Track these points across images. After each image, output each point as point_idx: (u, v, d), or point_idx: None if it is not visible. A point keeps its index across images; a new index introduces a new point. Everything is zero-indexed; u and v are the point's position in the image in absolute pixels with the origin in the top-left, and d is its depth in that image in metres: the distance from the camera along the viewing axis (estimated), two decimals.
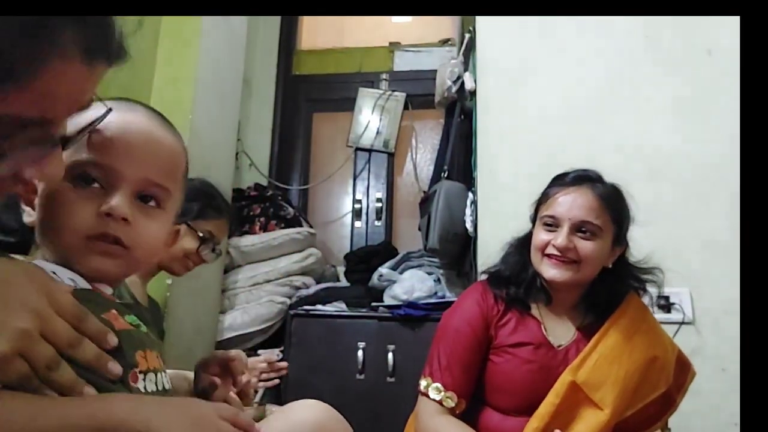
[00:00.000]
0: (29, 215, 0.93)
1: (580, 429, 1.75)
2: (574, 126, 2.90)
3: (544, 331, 1.90)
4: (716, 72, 2.80)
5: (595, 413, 1.74)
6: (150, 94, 2.88)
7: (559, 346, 1.88)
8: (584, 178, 1.90)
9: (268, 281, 3.36)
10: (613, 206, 1.87)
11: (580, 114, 2.92)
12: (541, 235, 1.87)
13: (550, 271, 1.84)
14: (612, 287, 1.92)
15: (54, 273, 0.89)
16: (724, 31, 2.78)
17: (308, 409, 1.15)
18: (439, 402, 1.83)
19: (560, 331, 1.92)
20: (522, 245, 1.99)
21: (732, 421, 2.44)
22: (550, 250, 1.84)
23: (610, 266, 1.90)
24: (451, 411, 1.83)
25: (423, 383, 1.88)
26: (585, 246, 1.81)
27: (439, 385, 1.85)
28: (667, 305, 2.59)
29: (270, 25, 4.49)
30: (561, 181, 1.93)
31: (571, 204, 1.84)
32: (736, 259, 2.46)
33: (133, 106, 1.01)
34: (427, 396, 1.85)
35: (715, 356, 2.50)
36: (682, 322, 2.57)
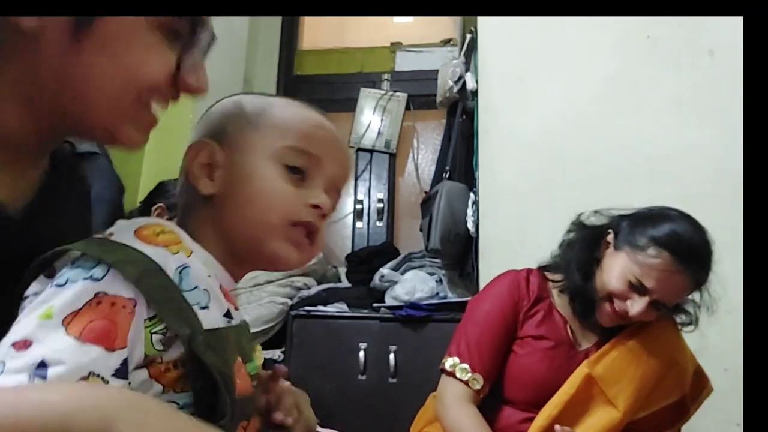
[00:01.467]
0: (207, 186, 0.93)
1: (591, 422, 1.76)
2: (575, 126, 2.90)
3: (569, 331, 1.91)
4: (718, 72, 2.80)
5: (608, 410, 1.75)
6: None
7: (581, 348, 1.89)
8: (692, 258, 1.74)
9: (269, 282, 3.34)
10: (698, 288, 1.80)
11: (582, 114, 2.91)
12: (619, 285, 1.76)
13: (606, 320, 1.82)
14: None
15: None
16: (727, 32, 2.78)
17: None
18: (466, 383, 1.82)
19: (584, 333, 1.92)
20: (591, 248, 1.91)
21: (734, 421, 2.44)
22: (619, 306, 1.77)
23: None
24: (476, 393, 1.83)
25: (449, 362, 1.88)
26: (652, 315, 1.77)
27: (466, 366, 1.84)
28: None
29: (271, 25, 4.48)
30: (668, 245, 1.74)
31: (665, 285, 1.72)
32: (739, 259, 2.45)
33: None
34: (454, 376, 1.84)
35: (717, 356, 2.49)
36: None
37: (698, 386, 1.92)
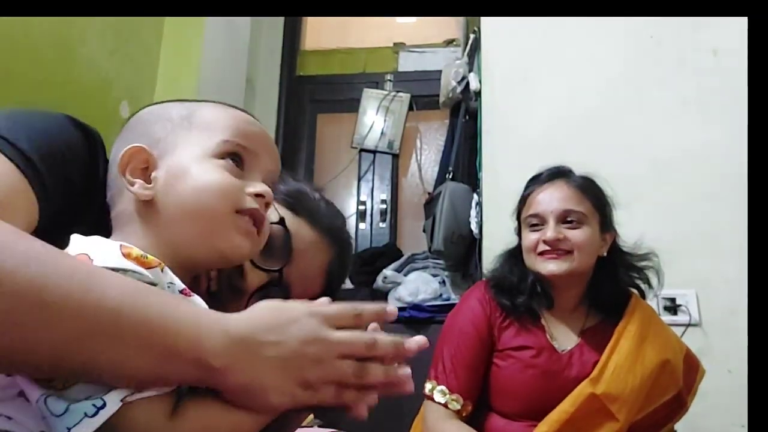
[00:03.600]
0: (144, 190, 0.90)
1: None
2: (579, 127, 2.89)
3: (548, 336, 1.89)
4: (722, 72, 2.79)
5: (610, 424, 1.72)
6: (153, 94, 2.87)
7: (563, 351, 1.87)
8: (557, 174, 1.94)
9: None
10: (591, 193, 1.90)
11: (586, 115, 2.90)
12: (529, 236, 1.88)
13: (547, 266, 1.83)
14: (612, 279, 1.92)
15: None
16: (730, 32, 2.77)
17: None
18: (444, 405, 1.83)
19: (563, 336, 1.91)
20: (514, 256, 1.99)
21: (739, 422, 2.43)
22: (541, 247, 1.85)
23: (605, 255, 1.90)
24: (457, 414, 1.83)
25: (428, 386, 1.88)
26: (575, 234, 1.82)
27: (444, 387, 1.85)
28: (673, 307, 2.58)
29: (273, 25, 4.47)
30: (535, 181, 1.98)
31: (550, 198, 1.87)
32: (743, 260, 2.44)
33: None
34: (432, 399, 1.85)
35: (722, 358, 2.48)
36: (689, 324, 2.55)
37: (690, 374, 1.92)
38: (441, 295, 3.18)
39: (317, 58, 4.60)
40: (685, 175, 2.72)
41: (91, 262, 0.76)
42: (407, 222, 4.21)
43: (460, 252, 3.21)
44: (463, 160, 3.39)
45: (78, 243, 0.82)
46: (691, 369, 1.93)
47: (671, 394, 1.84)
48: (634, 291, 1.96)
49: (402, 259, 3.48)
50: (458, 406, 1.82)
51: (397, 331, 2.82)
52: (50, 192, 0.88)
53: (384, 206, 4.20)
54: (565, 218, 1.84)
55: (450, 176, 3.35)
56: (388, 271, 3.33)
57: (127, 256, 0.79)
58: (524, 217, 1.93)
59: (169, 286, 0.82)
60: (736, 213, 2.54)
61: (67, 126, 0.97)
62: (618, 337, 1.84)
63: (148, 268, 0.79)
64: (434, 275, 3.33)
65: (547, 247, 1.83)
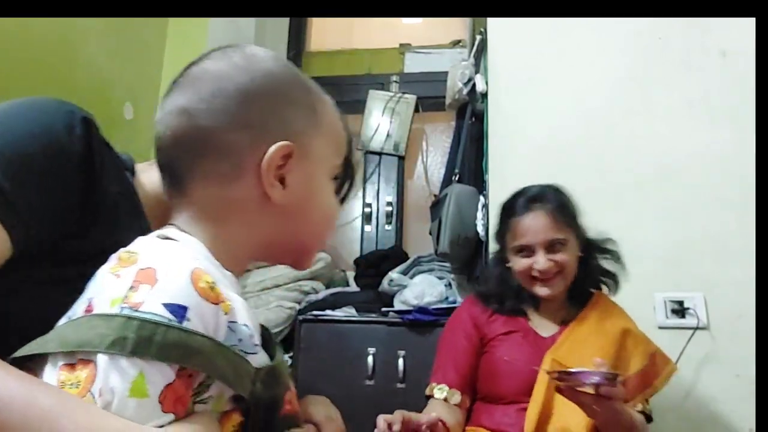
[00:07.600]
0: (280, 195, 0.91)
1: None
2: (585, 128, 2.88)
3: (532, 325, 2.10)
4: (730, 74, 2.77)
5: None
6: (157, 95, 2.86)
7: (546, 336, 2.05)
8: (533, 200, 2.08)
9: (277, 286, 3.33)
10: (567, 215, 2.06)
11: (592, 116, 2.89)
12: (520, 263, 2.05)
13: (542, 290, 2.03)
14: (586, 268, 2.11)
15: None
16: (738, 33, 2.75)
17: None
18: (445, 399, 2.02)
19: (545, 326, 2.10)
20: (498, 264, 2.20)
21: (747, 426, 2.41)
22: (535, 273, 2.02)
23: (581, 254, 2.09)
24: (457, 407, 2.03)
25: (428, 389, 2.08)
26: (562, 258, 2.01)
27: (443, 385, 2.05)
28: (681, 310, 2.56)
29: (278, 26, 4.46)
30: (512, 210, 2.11)
31: (534, 229, 2.02)
32: (751, 263, 2.42)
33: None
34: (433, 396, 2.04)
35: (730, 362, 2.47)
36: (697, 328, 2.53)
37: (660, 365, 2.03)
38: (447, 297, 3.17)
39: (322, 59, 4.59)
40: (692, 177, 2.70)
41: (155, 278, 0.74)
42: (413, 224, 4.19)
43: (467, 254, 3.19)
44: (469, 162, 3.38)
45: (146, 251, 0.80)
46: (663, 360, 2.05)
47: (645, 359, 1.98)
48: (598, 290, 2.16)
49: (408, 262, 3.47)
50: (458, 399, 2.03)
51: (402, 334, 2.82)
52: (24, 212, 0.82)
53: (390, 208, 4.18)
54: (551, 245, 2.01)
55: (456, 178, 3.33)
56: (393, 274, 3.32)
57: (195, 281, 0.75)
58: (511, 245, 2.09)
59: (230, 325, 0.78)
60: (744, 216, 2.52)
61: (53, 122, 0.91)
62: (579, 321, 2.05)
63: (213, 303, 0.75)
64: (440, 278, 3.31)
65: (540, 275, 2.01)
